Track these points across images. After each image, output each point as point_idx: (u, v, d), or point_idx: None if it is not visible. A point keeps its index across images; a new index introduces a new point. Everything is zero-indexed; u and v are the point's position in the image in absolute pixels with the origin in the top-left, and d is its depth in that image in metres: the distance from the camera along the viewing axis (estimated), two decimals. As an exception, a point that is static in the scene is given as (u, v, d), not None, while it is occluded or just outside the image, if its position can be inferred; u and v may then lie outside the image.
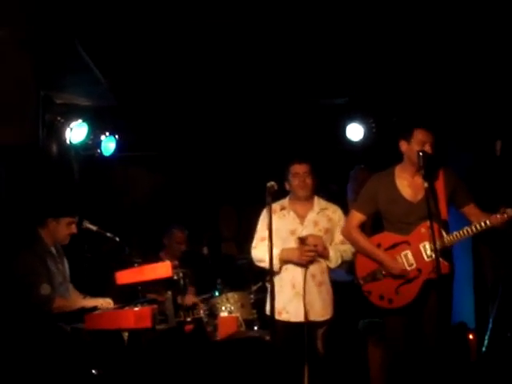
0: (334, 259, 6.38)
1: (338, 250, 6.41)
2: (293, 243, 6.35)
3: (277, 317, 6.20)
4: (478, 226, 5.60)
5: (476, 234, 5.65)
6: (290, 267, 6.32)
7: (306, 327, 6.19)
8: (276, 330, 5.93)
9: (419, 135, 5.75)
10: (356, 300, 6.98)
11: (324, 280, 6.44)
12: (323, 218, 6.51)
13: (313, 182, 6.52)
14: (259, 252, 6.53)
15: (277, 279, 6.21)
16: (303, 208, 6.54)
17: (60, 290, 6.46)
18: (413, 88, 7.90)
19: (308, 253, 6.27)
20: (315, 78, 7.79)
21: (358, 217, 6.05)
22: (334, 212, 6.58)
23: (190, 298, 7.26)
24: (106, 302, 6.40)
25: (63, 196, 7.57)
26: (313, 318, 6.31)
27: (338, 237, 6.47)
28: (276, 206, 6.47)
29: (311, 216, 6.50)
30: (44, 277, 6.28)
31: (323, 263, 6.39)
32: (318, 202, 6.60)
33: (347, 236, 6.16)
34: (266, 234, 6.29)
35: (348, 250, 6.41)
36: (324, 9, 6.29)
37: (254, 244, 6.66)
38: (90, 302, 6.41)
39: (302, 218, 6.51)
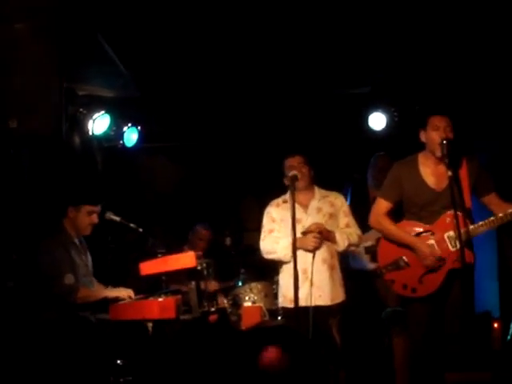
0: (341, 242, 6.47)
1: (344, 233, 6.51)
2: (299, 232, 6.32)
3: (288, 305, 6.34)
4: (503, 216, 5.55)
5: (502, 224, 5.62)
6: (300, 254, 6.29)
7: (316, 311, 6.21)
8: (291, 318, 6.14)
9: (434, 121, 5.72)
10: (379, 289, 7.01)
11: (335, 264, 6.53)
12: (326, 204, 6.62)
13: (309, 172, 6.62)
14: (268, 244, 6.64)
15: (288, 267, 6.34)
16: (305, 197, 6.64)
17: (83, 281, 6.48)
18: (436, 76, 7.86)
19: (313, 239, 6.32)
20: (338, 67, 7.77)
21: (384, 204, 5.97)
22: (336, 198, 6.72)
23: (212, 285, 7.30)
24: (127, 293, 6.41)
25: (83, 184, 7.59)
26: (323, 302, 6.36)
27: (343, 221, 6.62)
28: (278, 200, 6.74)
29: (314, 204, 6.62)
30: (68, 267, 6.31)
31: (332, 247, 6.48)
32: (319, 191, 6.72)
33: (376, 225, 6.08)
34: (273, 226, 6.66)
35: (354, 233, 6.56)
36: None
37: (262, 236, 6.73)
38: (112, 293, 6.42)
39: (305, 207, 6.61)
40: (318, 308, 6.26)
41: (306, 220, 6.50)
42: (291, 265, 6.14)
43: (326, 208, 6.59)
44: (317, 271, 6.30)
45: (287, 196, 6.58)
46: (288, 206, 6.44)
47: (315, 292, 6.28)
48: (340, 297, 6.50)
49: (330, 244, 6.45)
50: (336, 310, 6.45)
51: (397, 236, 5.87)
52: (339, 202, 6.68)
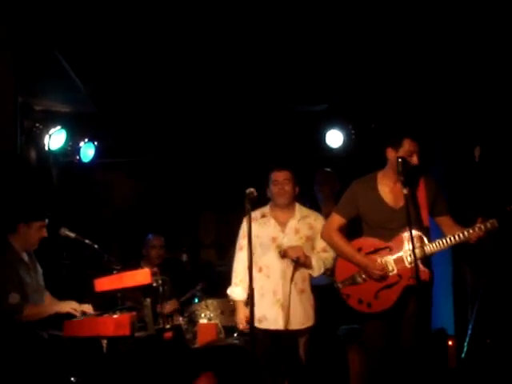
0: (317, 268, 6.30)
1: (320, 258, 6.33)
2: (273, 251, 6.29)
3: (256, 324, 6.20)
4: (459, 235, 5.58)
5: (457, 244, 5.65)
6: (272, 275, 6.26)
7: (287, 335, 6.15)
8: (256, 338, 5.93)
9: (407, 145, 5.64)
10: (335, 304, 6.99)
11: (305, 288, 6.37)
12: (304, 226, 6.41)
13: (293, 190, 6.40)
14: (234, 273, 6.53)
15: (257, 287, 6.06)
16: (284, 215, 6.43)
17: (34, 297, 6.35)
18: (392, 94, 7.93)
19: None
20: (295, 84, 7.81)
21: (338, 220, 5.98)
22: (316, 219, 6.48)
23: (169, 307, 7.24)
24: (74, 307, 6.30)
25: (34, 200, 7.46)
26: (293, 326, 6.24)
27: (320, 244, 6.36)
28: (257, 213, 6.38)
29: (292, 223, 6.40)
30: (14, 285, 6.15)
31: (305, 271, 6.32)
32: (300, 210, 6.49)
33: (327, 239, 6.07)
34: (245, 243, 6.13)
35: (330, 257, 6.32)
36: (303, 17, 6.31)
37: (236, 251, 6.58)
38: (63, 307, 6.31)
39: (283, 225, 6.39)
40: (287, 331, 6.22)
41: (282, 239, 6.33)
42: (263, 283, 6.13)
43: (304, 230, 6.38)
44: (287, 295, 6.22)
45: (267, 209, 6.48)
46: (266, 221, 6.38)
47: (285, 316, 6.20)
48: (310, 321, 6.36)
49: (304, 268, 6.32)
50: (304, 331, 6.36)
51: (345, 252, 5.89)
52: (318, 224, 6.38)
